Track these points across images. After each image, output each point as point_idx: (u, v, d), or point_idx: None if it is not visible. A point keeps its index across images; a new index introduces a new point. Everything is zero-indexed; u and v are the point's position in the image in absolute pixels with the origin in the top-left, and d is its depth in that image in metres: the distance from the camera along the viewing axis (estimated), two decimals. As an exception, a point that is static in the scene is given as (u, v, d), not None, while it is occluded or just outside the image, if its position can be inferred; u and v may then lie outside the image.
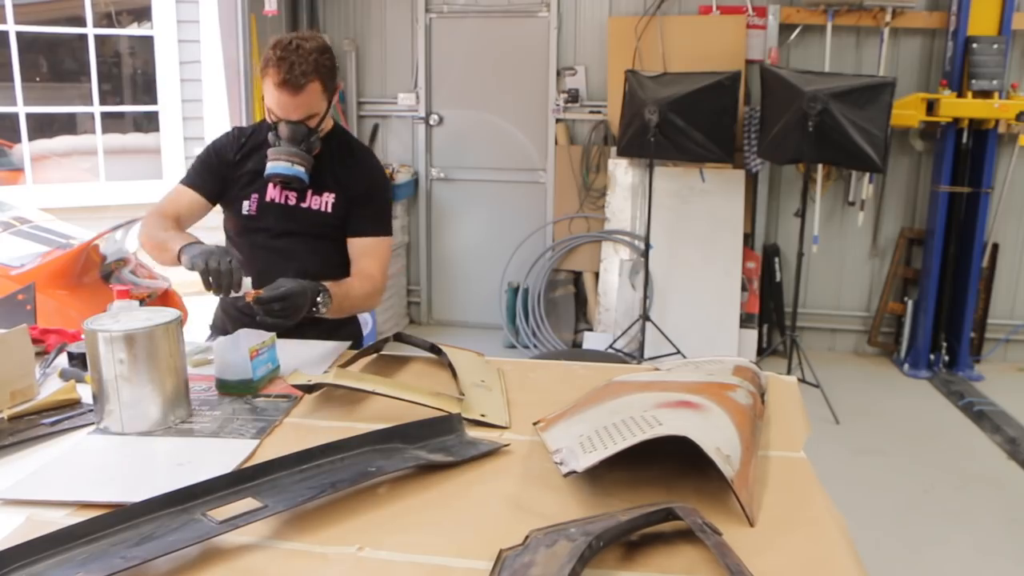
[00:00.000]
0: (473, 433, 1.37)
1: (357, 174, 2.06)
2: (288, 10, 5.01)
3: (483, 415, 1.44)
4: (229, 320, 2.11)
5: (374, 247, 2.07)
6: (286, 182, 1.95)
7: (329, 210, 2.04)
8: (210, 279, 1.63)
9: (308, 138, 1.92)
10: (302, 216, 2.03)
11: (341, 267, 2.06)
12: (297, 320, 1.71)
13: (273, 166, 1.91)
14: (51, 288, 3.07)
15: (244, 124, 4.28)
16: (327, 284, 1.82)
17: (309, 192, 2.02)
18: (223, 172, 2.04)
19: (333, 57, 1.94)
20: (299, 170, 1.91)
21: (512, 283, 5.00)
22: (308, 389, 1.50)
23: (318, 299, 1.77)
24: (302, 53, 1.83)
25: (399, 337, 1.83)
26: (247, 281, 1.68)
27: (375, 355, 1.83)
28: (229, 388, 1.57)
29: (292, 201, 2.03)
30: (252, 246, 2.04)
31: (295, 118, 1.89)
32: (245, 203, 2.03)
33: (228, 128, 2.17)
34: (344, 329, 2.09)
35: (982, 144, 4.37)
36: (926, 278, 4.58)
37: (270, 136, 1.94)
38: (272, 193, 2.02)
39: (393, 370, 1.77)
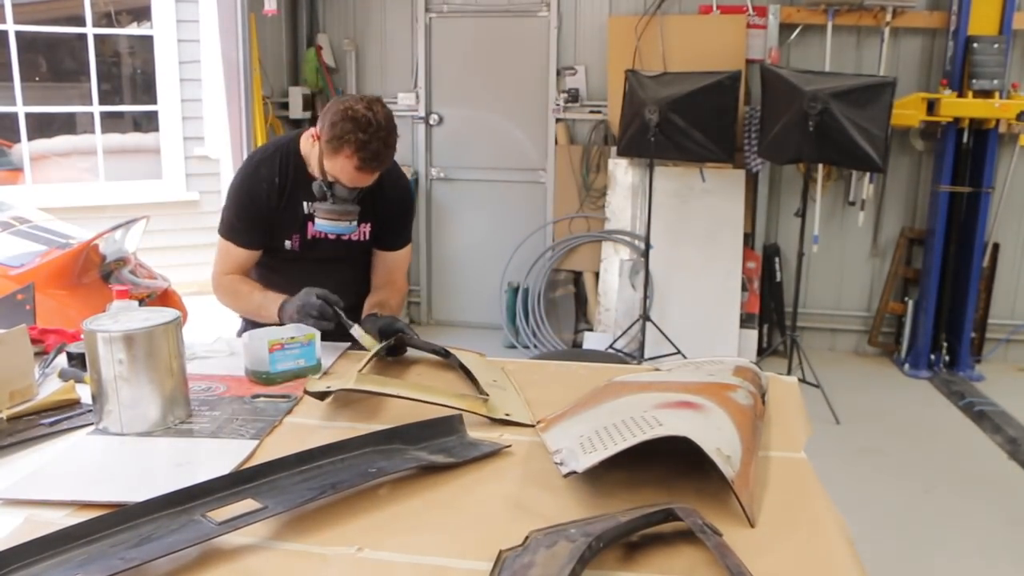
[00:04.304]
0: (474, 434, 1.37)
1: (389, 198, 2.09)
2: (288, 10, 5.01)
3: (507, 414, 1.44)
4: None
5: (403, 257, 2.20)
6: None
7: (367, 238, 2.11)
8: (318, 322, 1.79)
9: (356, 193, 1.93)
10: (344, 247, 2.09)
11: (368, 268, 2.19)
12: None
13: (329, 226, 1.94)
14: (50, 288, 3.06)
15: (242, 129, 4.28)
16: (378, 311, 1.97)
17: None
18: (268, 219, 2.02)
19: (394, 121, 1.90)
20: (352, 226, 1.96)
21: (512, 283, 4.99)
22: (320, 396, 1.49)
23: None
24: (381, 135, 1.81)
25: (403, 340, 1.83)
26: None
27: (377, 357, 1.81)
28: (253, 376, 1.63)
29: (333, 235, 2.05)
30: (293, 271, 2.08)
31: (361, 187, 1.91)
32: (287, 242, 2.05)
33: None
34: None
35: (983, 144, 4.37)
36: (927, 278, 4.58)
37: (316, 187, 1.93)
38: (314, 231, 2.03)
39: (400, 372, 1.76)
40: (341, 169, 1.85)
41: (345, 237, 2.05)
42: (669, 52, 4.57)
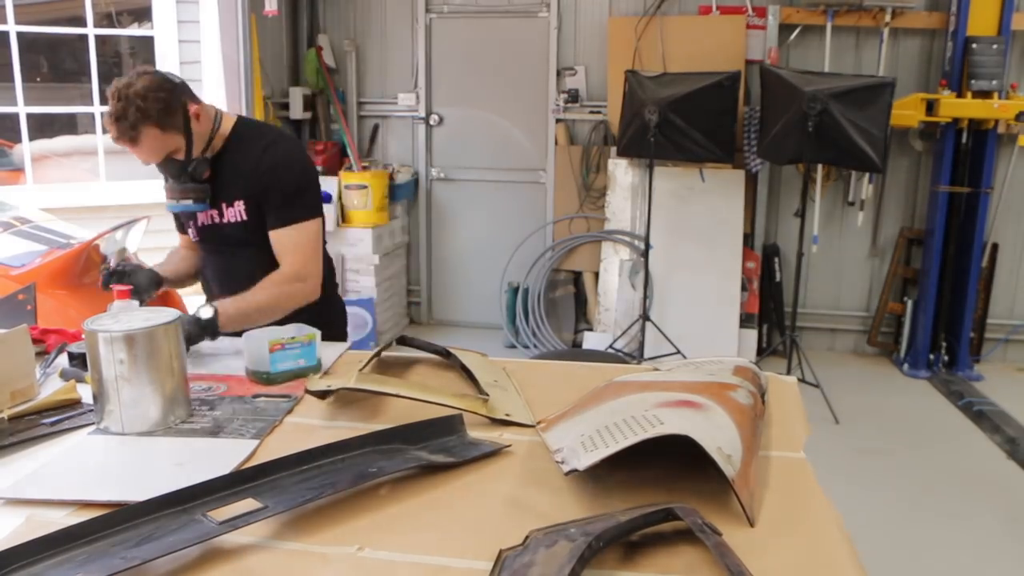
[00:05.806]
0: (474, 434, 1.37)
1: (256, 170, 1.94)
2: (288, 10, 5.02)
3: (508, 414, 1.44)
4: None
5: (288, 238, 1.95)
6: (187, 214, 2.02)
7: (244, 217, 1.97)
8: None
9: (185, 170, 1.89)
10: (227, 231, 2.01)
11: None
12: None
13: (172, 206, 1.96)
14: (51, 288, 3.06)
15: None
16: (223, 300, 1.84)
17: (224, 205, 1.99)
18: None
19: (164, 91, 1.80)
20: (186, 204, 1.92)
21: (512, 283, 5.00)
22: (321, 395, 1.49)
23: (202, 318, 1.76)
24: (130, 99, 1.75)
25: (403, 340, 1.82)
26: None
27: (377, 357, 1.81)
28: (253, 376, 1.64)
29: (216, 219, 2.01)
30: (205, 262, 2.14)
31: (152, 162, 1.89)
32: (190, 229, 2.09)
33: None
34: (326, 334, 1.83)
35: (981, 144, 4.37)
36: (926, 278, 4.58)
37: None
38: (202, 217, 2.02)
39: (399, 372, 1.76)
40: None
41: (221, 220, 1.99)
42: (669, 53, 4.58)
